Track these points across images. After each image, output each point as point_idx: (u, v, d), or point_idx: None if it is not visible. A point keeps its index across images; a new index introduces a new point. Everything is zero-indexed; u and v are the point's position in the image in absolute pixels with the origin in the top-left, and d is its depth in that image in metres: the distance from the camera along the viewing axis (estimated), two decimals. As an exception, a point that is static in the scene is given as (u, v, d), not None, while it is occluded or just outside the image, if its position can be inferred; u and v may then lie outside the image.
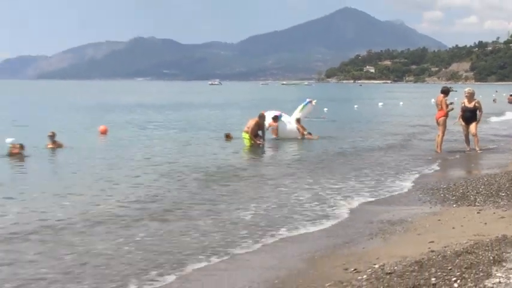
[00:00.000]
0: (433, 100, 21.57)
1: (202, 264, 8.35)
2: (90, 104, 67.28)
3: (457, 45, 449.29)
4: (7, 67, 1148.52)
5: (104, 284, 7.57)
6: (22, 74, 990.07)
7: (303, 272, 7.78)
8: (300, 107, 28.13)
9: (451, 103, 21.24)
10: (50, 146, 21.88)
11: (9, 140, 20.18)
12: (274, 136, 25.50)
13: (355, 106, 60.29)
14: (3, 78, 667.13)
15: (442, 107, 20.57)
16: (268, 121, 25.24)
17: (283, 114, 26.77)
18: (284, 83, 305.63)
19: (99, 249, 9.03)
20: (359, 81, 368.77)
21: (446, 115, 20.61)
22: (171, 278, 7.79)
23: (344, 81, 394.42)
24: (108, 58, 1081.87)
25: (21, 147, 19.73)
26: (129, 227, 10.40)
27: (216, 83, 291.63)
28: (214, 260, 8.52)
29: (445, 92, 21.18)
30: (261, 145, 23.60)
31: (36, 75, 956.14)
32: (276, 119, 26.05)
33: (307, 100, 28.89)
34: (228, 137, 25.37)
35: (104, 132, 28.31)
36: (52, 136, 22.11)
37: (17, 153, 19.37)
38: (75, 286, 7.47)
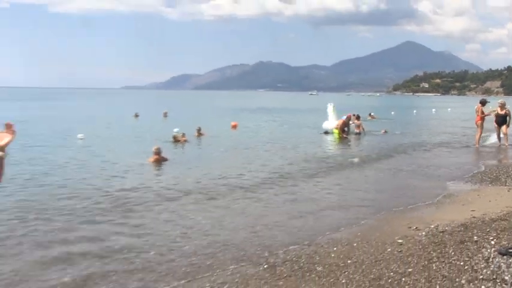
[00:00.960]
0: (475, 107, 20.83)
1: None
2: (227, 106, 68.53)
3: (490, 69, 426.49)
4: (173, 82, 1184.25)
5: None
6: (182, 86, 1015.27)
7: (379, 227, 7.67)
8: (331, 108, 26.59)
9: (493, 111, 20.37)
10: (197, 135, 22.62)
11: (175, 130, 20.99)
12: (356, 131, 24.97)
13: (414, 111, 58.26)
14: (170, 89, 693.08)
15: (478, 113, 20.15)
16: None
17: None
18: (363, 94, 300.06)
19: (239, 208, 9.16)
20: (416, 94, 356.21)
21: (482, 119, 20.11)
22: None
23: (406, 94, 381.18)
24: (240, 76, 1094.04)
25: (183, 135, 20.44)
26: (257, 198, 10.43)
27: (314, 93, 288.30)
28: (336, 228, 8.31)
29: (483, 103, 20.61)
30: (347, 138, 23.26)
31: (192, 87, 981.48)
32: (358, 118, 25.65)
33: (332, 104, 27.46)
34: (327, 133, 24.99)
35: (235, 127, 28.71)
36: (199, 130, 23.01)
37: (181, 140, 20.07)
38: (224, 233, 7.51)
